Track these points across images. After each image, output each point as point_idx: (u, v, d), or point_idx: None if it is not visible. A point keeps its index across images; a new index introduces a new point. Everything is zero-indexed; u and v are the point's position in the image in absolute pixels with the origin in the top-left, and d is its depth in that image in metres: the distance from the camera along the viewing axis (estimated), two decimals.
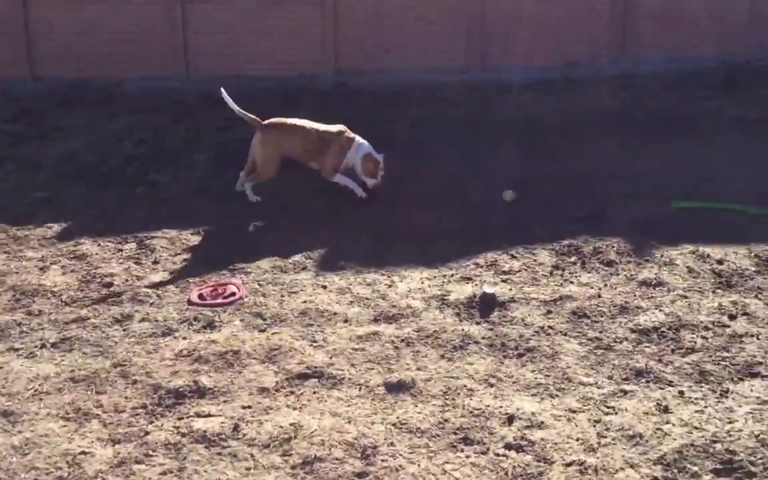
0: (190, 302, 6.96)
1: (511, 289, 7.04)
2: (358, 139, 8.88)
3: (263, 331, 6.48)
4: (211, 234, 8.24)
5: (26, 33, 12.94)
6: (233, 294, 7.06)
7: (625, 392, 5.48)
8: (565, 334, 6.32)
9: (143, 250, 7.89)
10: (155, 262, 7.67)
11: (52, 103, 12.55)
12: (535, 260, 7.59)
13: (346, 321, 6.58)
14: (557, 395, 5.48)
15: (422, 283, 7.23)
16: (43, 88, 13.08)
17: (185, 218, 8.58)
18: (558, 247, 7.79)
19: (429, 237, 8.13)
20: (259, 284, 7.24)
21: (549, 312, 6.66)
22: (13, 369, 5.80)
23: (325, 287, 7.17)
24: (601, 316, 6.55)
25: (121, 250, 7.89)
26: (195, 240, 8.12)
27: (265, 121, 8.92)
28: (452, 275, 7.36)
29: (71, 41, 13.00)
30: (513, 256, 7.66)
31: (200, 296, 7.04)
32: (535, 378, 5.69)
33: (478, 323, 6.52)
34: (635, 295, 6.86)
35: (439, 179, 9.51)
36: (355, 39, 13.39)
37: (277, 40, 13.27)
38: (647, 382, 5.62)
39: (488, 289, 6.87)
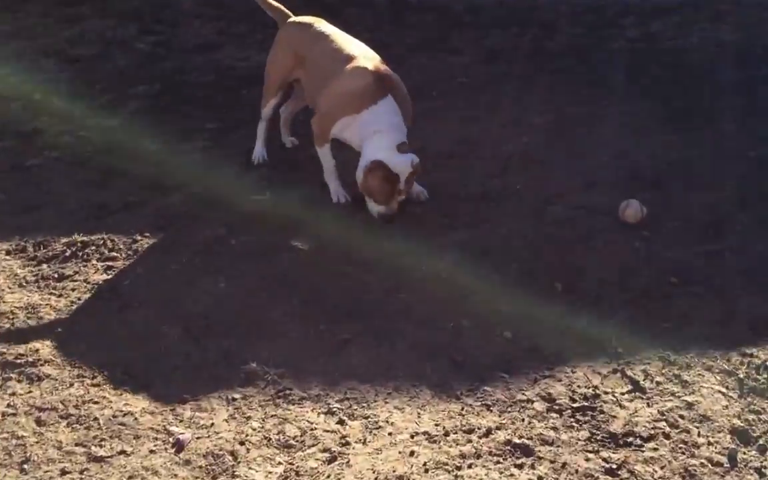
0: None
1: None
2: (381, 107, 4.11)
3: None
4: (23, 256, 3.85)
5: None
6: None
7: None
8: None
9: None
10: None
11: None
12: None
13: None
14: None
15: (435, 452, 2.72)
16: None
17: None
18: None
19: (464, 299, 3.54)
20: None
21: None
22: None
23: (166, 447, 2.73)
24: None
25: None
26: None
27: (293, 17, 4.65)
28: (506, 436, 2.79)
29: None
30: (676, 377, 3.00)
31: None
32: None
33: None
34: None
35: (507, 162, 4.80)
36: None
37: None
38: None
39: None
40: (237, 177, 4.63)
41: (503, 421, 2.86)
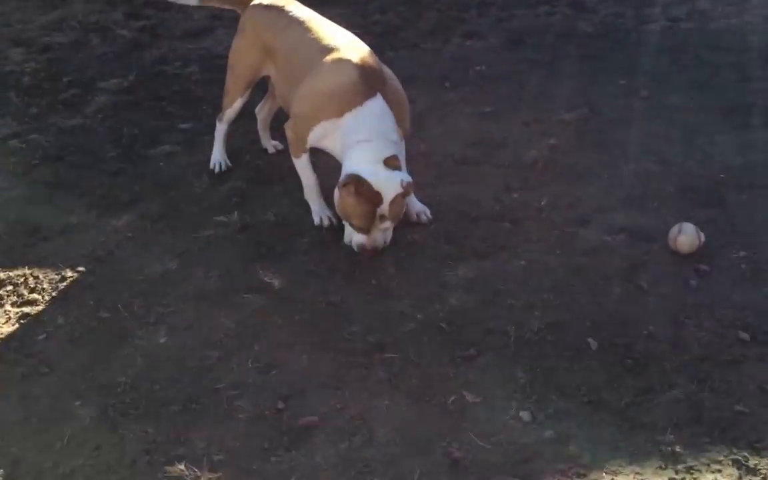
0: None
1: None
2: (368, 109, 3.22)
3: None
4: None
5: None
6: None
7: None
8: None
9: None
10: None
11: None
12: None
13: None
14: None
15: None
16: None
17: None
18: None
19: (469, 363, 2.71)
20: None
21: None
22: None
23: None
24: None
25: None
26: None
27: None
28: None
29: None
30: None
31: None
32: None
33: None
34: None
35: (529, 170, 3.92)
36: None
37: None
38: None
39: None
40: (203, 191, 3.79)
41: None
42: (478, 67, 5.19)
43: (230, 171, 3.95)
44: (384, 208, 3.13)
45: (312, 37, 3.43)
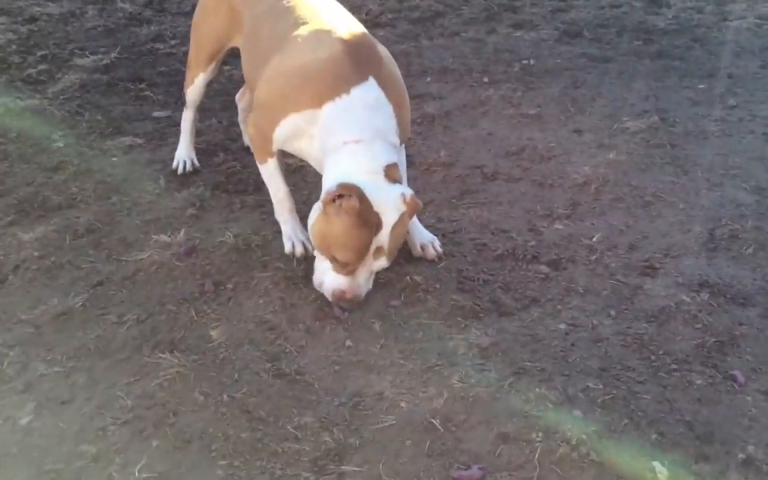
0: None
1: None
2: (357, 98, 2.21)
3: None
4: None
5: None
6: None
7: None
8: None
9: None
10: None
11: None
12: None
13: None
14: None
15: None
16: None
17: None
18: None
19: None
20: None
21: None
22: None
23: None
24: None
25: None
26: None
27: None
28: None
29: None
30: None
31: None
32: None
33: None
34: None
35: (580, 192, 2.88)
36: None
37: None
38: None
39: None
40: (154, 198, 2.85)
41: None
42: (525, 61, 4.17)
43: (196, 173, 3.01)
44: (383, 237, 2.14)
45: (287, 4, 2.45)
